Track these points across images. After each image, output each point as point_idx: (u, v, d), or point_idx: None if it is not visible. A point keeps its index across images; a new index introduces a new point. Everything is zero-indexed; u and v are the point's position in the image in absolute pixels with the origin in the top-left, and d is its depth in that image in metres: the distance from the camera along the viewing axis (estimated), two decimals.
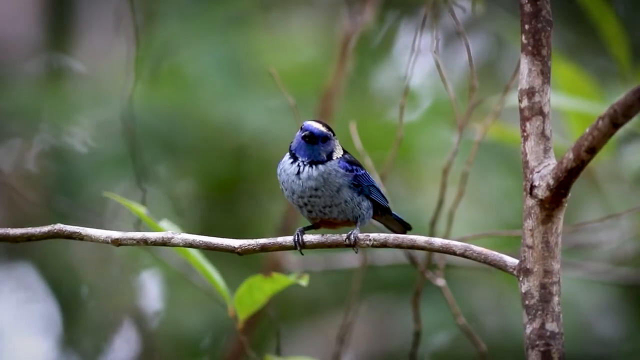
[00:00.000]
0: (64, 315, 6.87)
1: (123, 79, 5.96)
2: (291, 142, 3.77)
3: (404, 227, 3.96)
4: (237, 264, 6.18)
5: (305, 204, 3.69)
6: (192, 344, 6.85)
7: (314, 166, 3.70)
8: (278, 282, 4.08)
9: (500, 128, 5.27)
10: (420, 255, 4.60)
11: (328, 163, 3.70)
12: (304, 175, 3.69)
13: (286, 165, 3.72)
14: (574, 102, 5.11)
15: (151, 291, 6.97)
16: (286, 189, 3.72)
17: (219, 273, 4.20)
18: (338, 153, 3.75)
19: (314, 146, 3.71)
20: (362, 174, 3.74)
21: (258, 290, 4.11)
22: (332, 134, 3.75)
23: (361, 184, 3.72)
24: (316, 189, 3.68)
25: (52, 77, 7.01)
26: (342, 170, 3.70)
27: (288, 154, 3.75)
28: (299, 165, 3.71)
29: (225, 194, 6.79)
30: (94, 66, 6.95)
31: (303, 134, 3.70)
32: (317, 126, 3.73)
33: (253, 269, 6.10)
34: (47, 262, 6.84)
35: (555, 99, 5.00)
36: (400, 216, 3.94)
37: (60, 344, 6.86)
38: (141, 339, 6.87)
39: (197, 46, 6.77)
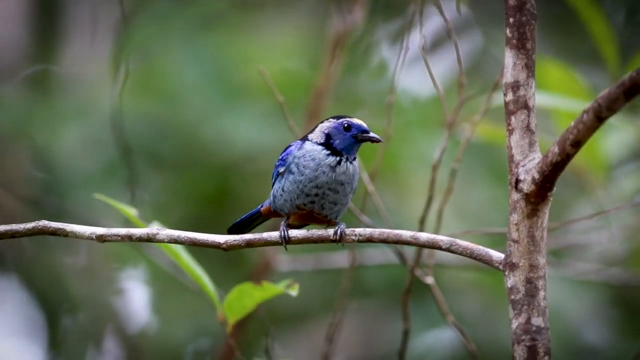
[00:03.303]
0: (48, 325, 6.84)
1: (109, 83, 5.95)
2: (313, 138, 3.74)
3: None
4: (226, 262, 6.17)
5: (317, 194, 3.67)
6: (180, 349, 6.83)
7: (351, 163, 3.70)
8: (268, 290, 4.08)
9: (488, 127, 5.26)
10: (410, 255, 4.59)
11: (355, 162, 3.72)
12: (340, 169, 3.68)
13: (316, 154, 3.69)
14: (563, 101, 5.11)
15: (138, 298, 6.95)
16: (304, 175, 3.66)
17: (208, 276, 4.19)
18: None
19: (359, 144, 3.72)
20: None
21: (248, 297, 4.10)
22: None
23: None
24: (342, 184, 3.67)
25: (38, 83, 7.00)
26: (358, 175, 3.72)
27: (312, 145, 3.71)
28: (340, 160, 3.68)
29: (214, 207, 6.76)
30: (80, 71, 6.93)
31: (360, 132, 3.71)
32: (362, 123, 3.75)
33: (243, 266, 6.10)
34: (32, 271, 6.81)
35: (544, 99, 5.01)
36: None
37: (46, 354, 6.83)
38: (126, 346, 6.84)
39: (178, 53, 6.73)
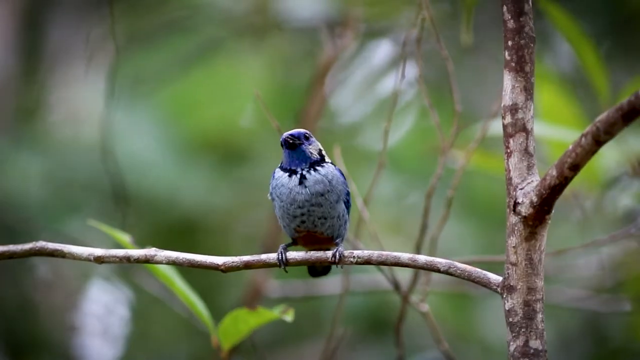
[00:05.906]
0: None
1: (96, 110, 5.93)
2: (281, 163, 3.77)
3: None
4: (217, 285, 6.13)
5: (303, 214, 3.68)
6: None
7: (315, 169, 3.71)
8: (263, 316, 4.08)
9: (481, 156, 5.27)
10: (404, 283, 4.58)
11: (326, 166, 3.73)
12: (309, 181, 3.69)
13: (283, 180, 3.72)
14: (556, 129, 5.12)
15: (120, 325, 6.90)
16: (283, 201, 3.69)
17: (202, 301, 4.19)
18: (328, 158, 3.77)
19: (300, 148, 3.74)
20: (348, 192, 3.75)
21: (242, 323, 4.10)
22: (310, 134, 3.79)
23: (349, 203, 3.73)
24: (322, 194, 3.68)
25: (25, 111, 7.00)
26: (341, 178, 3.72)
27: (280, 172, 3.74)
28: (301, 175, 3.70)
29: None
30: (67, 96, 6.93)
31: (284, 141, 3.74)
32: (293, 130, 3.77)
33: (231, 291, 6.05)
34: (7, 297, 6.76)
35: (541, 129, 5.02)
36: None
37: None
38: None
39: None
